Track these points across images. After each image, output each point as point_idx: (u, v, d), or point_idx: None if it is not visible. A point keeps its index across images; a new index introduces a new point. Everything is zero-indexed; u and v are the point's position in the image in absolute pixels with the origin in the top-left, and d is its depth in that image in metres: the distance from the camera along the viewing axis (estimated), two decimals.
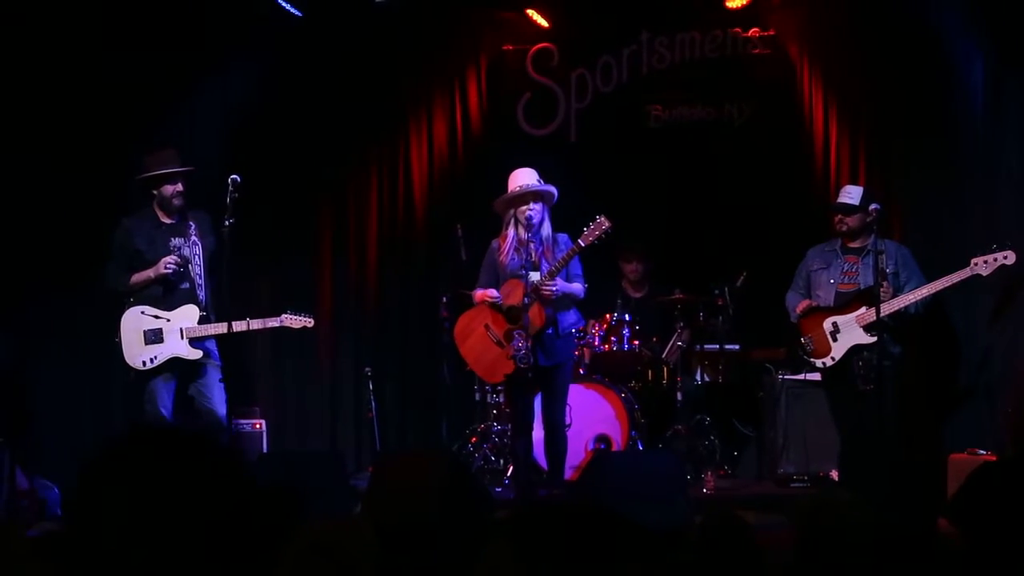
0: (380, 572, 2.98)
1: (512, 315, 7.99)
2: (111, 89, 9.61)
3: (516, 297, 7.93)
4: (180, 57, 9.76)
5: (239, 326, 8.13)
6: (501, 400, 9.82)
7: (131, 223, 8.28)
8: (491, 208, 8.28)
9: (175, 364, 8.15)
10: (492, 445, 9.88)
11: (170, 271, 8.05)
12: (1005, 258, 7.82)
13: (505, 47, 11.30)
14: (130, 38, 9.56)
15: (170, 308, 8.16)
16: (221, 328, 8.06)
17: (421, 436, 10.83)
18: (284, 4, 10.10)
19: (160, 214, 8.22)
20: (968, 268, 7.89)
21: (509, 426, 9.06)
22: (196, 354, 8.13)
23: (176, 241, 8.21)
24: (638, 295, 10.69)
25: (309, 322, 8.46)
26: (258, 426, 9.73)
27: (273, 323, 8.38)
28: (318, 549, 2.86)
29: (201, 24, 9.72)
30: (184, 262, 8.13)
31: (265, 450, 9.66)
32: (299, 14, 10.21)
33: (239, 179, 7.78)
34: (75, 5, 9.44)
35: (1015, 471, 4.28)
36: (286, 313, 8.39)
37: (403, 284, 11.13)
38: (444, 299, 9.87)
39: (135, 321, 8.13)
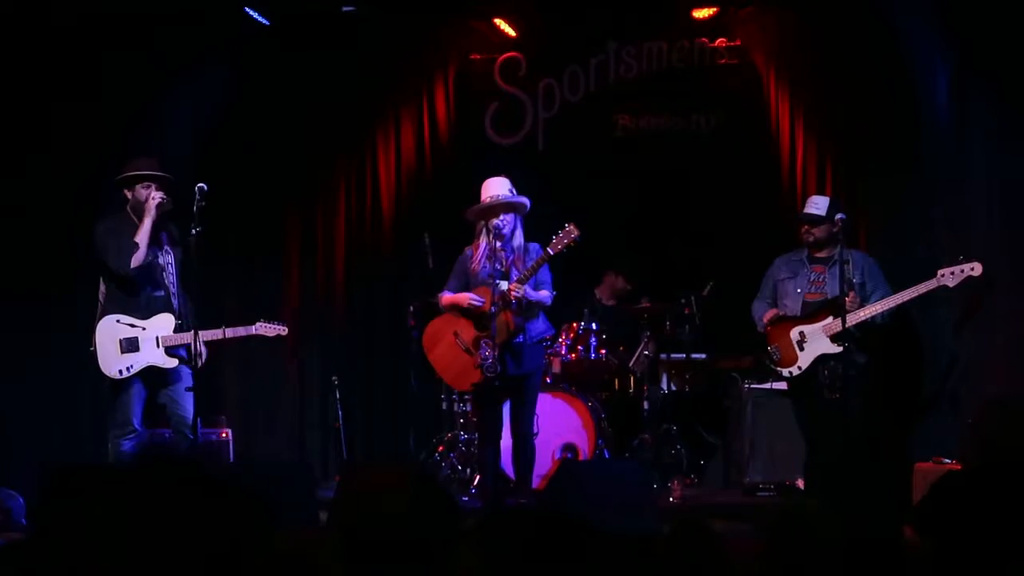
0: None
1: (480, 323, 7.98)
2: (78, 96, 9.56)
3: (485, 305, 7.92)
4: (147, 65, 9.72)
5: (215, 334, 8.15)
6: (468, 409, 9.81)
7: (108, 223, 8.22)
8: (461, 216, 8.28)
9: (147, 373, 8.12)
10: (459, 454, 9.86)
11: (157, 200, 7.98)
12: (972, 269, 7.86)
13: (473, 56, 11.32)
14: (97, 45, 9.51)
15: (145, 317, 8.12)
16: (191, 338, 8.08)
17: (388, 445, 10.82)
18: (252, 12, 10.08)
19: (134, 218, 8.17)
20: (935, 279, 7.92)
21: (476, 435, 9.05)
22: (172, 362, 8.09)
23: (152, 248, 8.19)
24: (609, 303, 10.73)
25: (283, 330, 8.46)
26: (225, 435, 9.70)
27: (247, 331, 8.37)
28: (286, 559, 2.85)
29: (168, 32, 9.68)
30: (169, 203, 8.09)
31: (231, 459, 9.62)
32: (267, 22, 10.20)
33: (206, 187, 7.77)
34: (41, 10, 9.38)
35: (979, 480, 4.31)
36: (260, 322, 8.38)
37: (370, 292, 11.12)
38: (411, 308, 9.85)
39: (110, 330, 8.09)
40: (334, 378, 10.34)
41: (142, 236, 8.01)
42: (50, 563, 2.00)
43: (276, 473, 8.24)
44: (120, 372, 8.05)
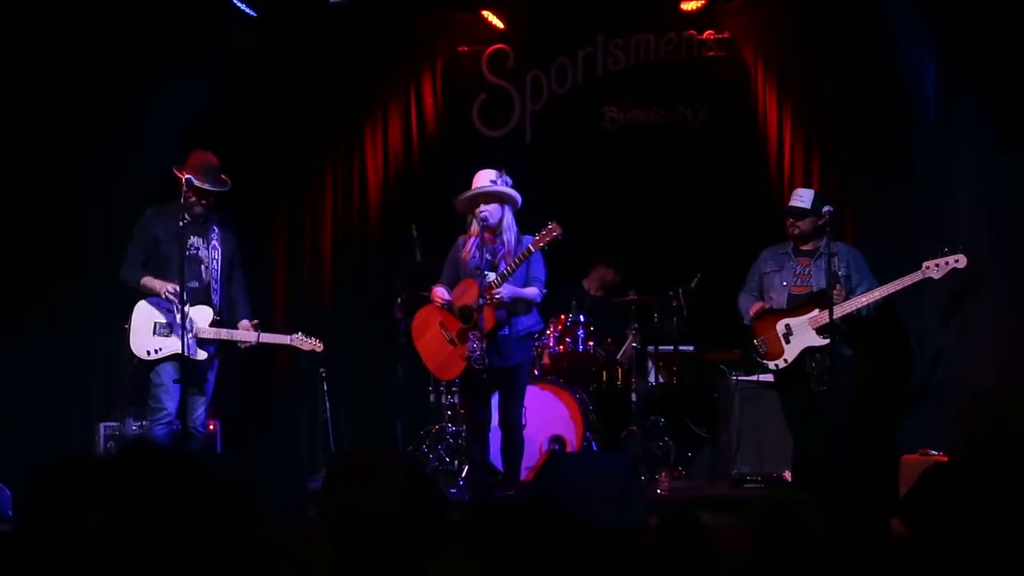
0: (335, 573, 2.97)
1: (465, 315, 7.99)
2: (67, 89, 9.54)
3: (470, 296, 7.93)
4: (135, 57, 9.70)
5: (249, 336, 8.24)
6: (456, 401, 9.82)
7: (153, 214, 8.27)
8: (448, 208, 8.30)
9: (184, 365, 8.13)
10: (447, 446, 9.87)
11: (170, 299, 8.02)
12: (956, 262, 7.87)
13: (460, 48, 11.29)
14: (85, 39, 9.50)
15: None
16: (228, 335, 8.23)
17: (376, 437, 10.80)
18: (239, 4, 10.06)
19: (184, 207, 8.17)
20: (920, 271, 7.94)
21: (464, 427, 9.06)
22: (202, 355, 8.11)
23: (195, 240, 8.21)
24: (597, 295, 10.73)
25: (318, 346, 8.49)
26: (212, 427, 9.69)
27: (283, 340, 8.40)
28: (272, 551, 2.85)
29: (156, 24, 9.66)
30: (180, 298, 8.07)
31: (219, 451, 9.61)
32: (254, 14, 10.18)
33: (194, 179, 7.77)
34: (30, 7, 9.36)
35: (966, 472, 4.32)
36: (298, 334, 8.41)
37: (358, 285, 11.11)
38: (399, 300, 9.85)
39: (148, 311, 8.16)
40: (322, 370, 10.31)
41: (147, 285, 8.13)
42: (37, 555, 2.00)
43: (263, 464, 8.25)
44: (148, 353, 8.12)
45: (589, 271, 10.92)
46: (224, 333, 8.22)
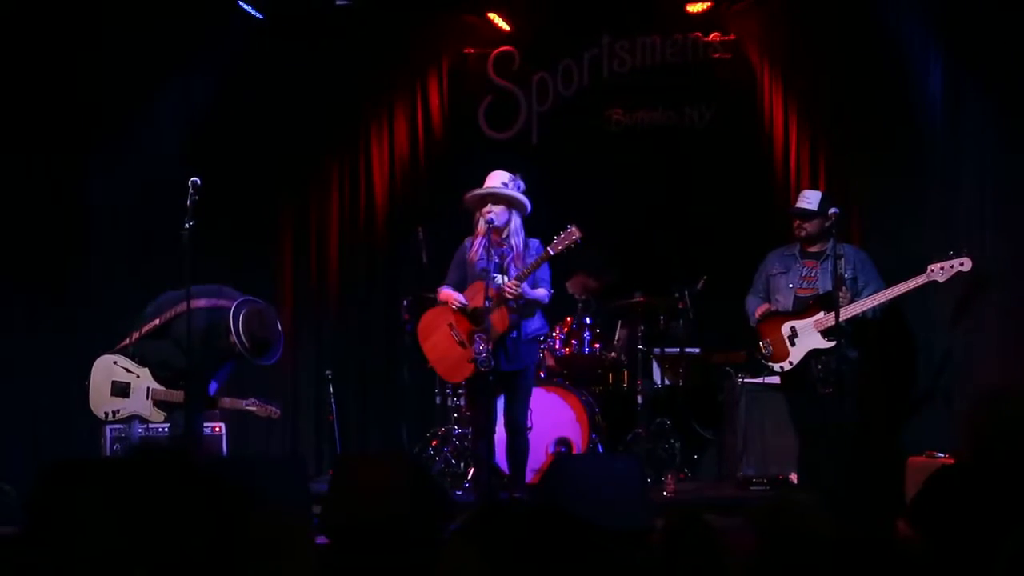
0: (334, 573, 2.98)
1: (475, 317, 7.98)
2: (72, 89, 9.55)
3: (479, 299, 7.92)
4: (141, 58, 9.71)
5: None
6: (462, 403, 9.81)
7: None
8: (455, 210, 8.31)
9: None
10: (453, 448, 9.86)
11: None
12: (962, 265, 7.86)
13: (466, 50, 11.30)
14: (91, 38, 9.51)
15: (144, 363, 8.14)
16: (181, 396, 8.07)
17: (382, 439, 10.81)
18: (245, 6, 10.07)
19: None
20: (925, 274, 7.92)
21: (470, 429, 9.06)
22: (158, 416, 8.08)
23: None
24: (582, 298, 10.66)
25: (276, 413, 8.42)
26: (218, 429, 9.68)
27: (239, 405, 8.34)
28: (275, 552, 2.85)
29: (162, 25, 9.67)
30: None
31: (224, 453, 9.61)
32: (260, 16, 10.19)
33: (199, 181, 7.77)
34: (32, 7, 9.37)
35: (972, 474, 4.31)
36: (251, 399, 8.32)
37: (364, 286, 11.11)
38: (405, 302, 9.85)
39: (106, 369, 8.13)
40: (328, 372, 10.32)
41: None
42: (44, 555, 2.00)
43: (269, 467, 8.24)
44: (106, 414, 8.13)
45: (572, 275, 10.84)
46: (177, 395, 8.06)
